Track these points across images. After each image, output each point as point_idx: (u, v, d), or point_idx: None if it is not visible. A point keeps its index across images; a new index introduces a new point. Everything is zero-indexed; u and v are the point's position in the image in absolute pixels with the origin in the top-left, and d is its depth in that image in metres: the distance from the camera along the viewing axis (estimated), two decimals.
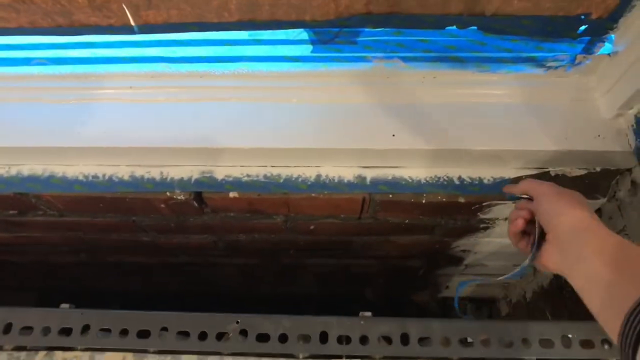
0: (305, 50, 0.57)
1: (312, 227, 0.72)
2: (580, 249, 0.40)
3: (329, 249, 0.81)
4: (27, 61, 0.60)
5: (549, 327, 0.49)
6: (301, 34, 0.54)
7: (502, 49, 0.56)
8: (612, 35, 0.54)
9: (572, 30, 0.53)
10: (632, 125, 0.57)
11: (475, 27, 0.53)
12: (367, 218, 0.68)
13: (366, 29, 0.54)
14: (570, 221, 0.42)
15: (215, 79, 0.62)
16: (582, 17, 0.51)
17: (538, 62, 0.58)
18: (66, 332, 0.50)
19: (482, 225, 0.70)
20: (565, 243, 0.42)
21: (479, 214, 0.65)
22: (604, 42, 0.55)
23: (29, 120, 0.61)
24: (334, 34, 0.54)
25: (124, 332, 0.49)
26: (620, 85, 0.57)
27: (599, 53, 0.56)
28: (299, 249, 0.82)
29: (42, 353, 0.52)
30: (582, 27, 0.52)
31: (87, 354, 0.52)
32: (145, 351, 0.51)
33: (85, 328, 0.49)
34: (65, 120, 0.60)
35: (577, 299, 0.39)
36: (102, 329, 0.49)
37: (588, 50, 0.56)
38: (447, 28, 0.53)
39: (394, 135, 0.58)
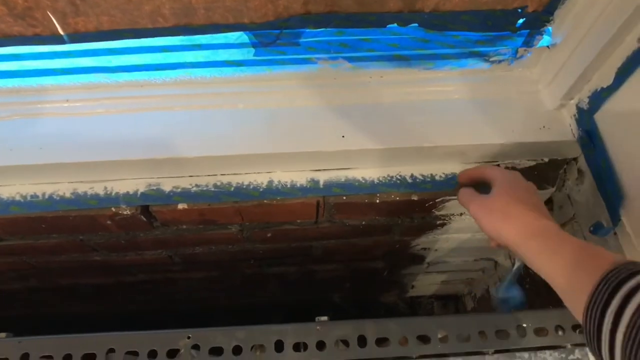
0: (248, 54, 0.56)
1: (269, 234, 0.70)
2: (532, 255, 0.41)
3: (289, 255, 0.80)
4: None
5: (503, 318, 0.49)
6: (241, 37, 0.53)
7: (445, 45, 0.57)
8: (550, 28, 0.55)
9: (511, 23, 0.54)
10: (574, 115, 0.59)
11: (416, 24, 0.53)
12: (324, 222, 0.67)
13: (307, 30, 0.53)
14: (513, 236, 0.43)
15: (157, 87, 0.60)
16: (519, 10, 0.52)
17: (481, 57, 0.59)
18: None
19: (438, 222, 0.70)
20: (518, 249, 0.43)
21: (433, 210, 0.65)
22: (542, 34, 0.56)
23: None
24: (275, 35, 0.53)
25: (67, 358, 0.46)
26: (561, 76, 0.58)
27: (538, 46, 0.57)
28: (258, 258, 0.80)
29: None
30: (520, 21, 0.53)
31: None
32: None
33: (25, 357, 0.46)
34: None
35: (538, 291, 0.40)
36: (43, 357, 0.46)
37: (528, 43, 0.57)
38: (388, 26, 0.53)
39: (343, 136, 0.58)
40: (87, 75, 0.57)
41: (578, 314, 0.35)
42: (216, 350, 0.46)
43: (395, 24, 0.53)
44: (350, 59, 0.58)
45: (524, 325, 0.49)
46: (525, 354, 0.49)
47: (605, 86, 0.53)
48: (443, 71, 0.61)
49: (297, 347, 0.46)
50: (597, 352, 0.32)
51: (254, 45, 0.55)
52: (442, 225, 0.71)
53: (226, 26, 0.51)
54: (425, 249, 0.82)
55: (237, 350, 0.46)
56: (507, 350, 0.48)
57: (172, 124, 0.58)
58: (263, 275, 0.91)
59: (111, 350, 0.47)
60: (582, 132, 0.57)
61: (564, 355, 0.49)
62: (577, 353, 0.49)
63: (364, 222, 0.67)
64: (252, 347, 0.47)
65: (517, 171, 0.53)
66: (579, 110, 0.58)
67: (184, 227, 0.65)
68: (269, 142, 0.57)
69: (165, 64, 0.57)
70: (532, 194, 0.47)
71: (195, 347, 0.47)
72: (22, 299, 0.95)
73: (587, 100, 0.56)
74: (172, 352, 0.46)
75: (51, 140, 0.57)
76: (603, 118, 0.55)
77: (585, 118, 0.57)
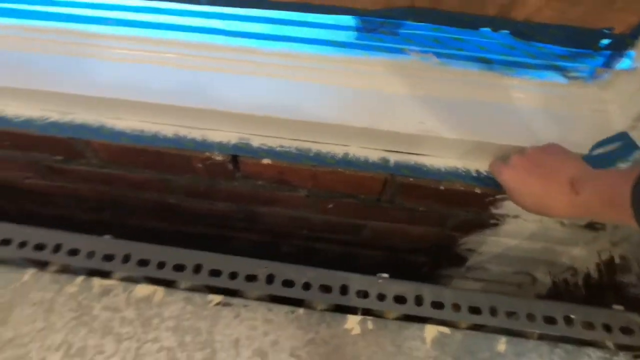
0: (350, 36, 0.63)
1: (330, 205, 0.76)
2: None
3: (340, 232, 0.86)
4: (101, 20, 0.66)
5: (553, 305, 0.53)
6: (349, 20, 0.60)
7: (529, 55, 0.62)
8: (633, 52, 0.60)
9: (595, 43, 0.59)
10: None
11: (507, 31, 0.59)
12: (385, 202, 0.73)
13: (408, 22, 0.59)
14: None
15: (263, 55, 0.68)
16: (606, 31, 0.57)
17: (560, 71, 0.64)
18: (108, 258, 0.54)
19: (492, 221, 0.74)
20: None
21: (491, 207, 0.69)
22: (623, 57, 0.60)
23: (89, 72, 0.66)
24: (378, 23, 0.60)
25: (161, 265, 0.53)
26: (636, 99, 0.62)
27: (618, 67, 0.62)
28: (312, 229, 0.86)
29: (80, 278, 0.57)
30: (605, 41, 0.58)
31: (122, 284, 0.56)
32: (175, 287, 0.55)
33: (126, 257, 0.54)
34: (123, 77, 0.66)
35: None
36: (141, 260, 0.54)
37: (608, 64, 0.62)
38: (481, 29, 0.59)
39: (422, 122, 0.63)
40: (209, 35, 0.66)
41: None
42: (288, 283, 0.53)
43: (488, 28, 0.59)
44: (439, 55, 0.64)
45: (572, 316, 0.52)
46: (569, 346, 0.52)
47: None
48: (522, 79, 0.66)
49: (359, 294, 0.52)
50: None
51: (357, 29, 0.62)
52: (495, 225, 0.75)
53: (340, 9, 0.58)
54: (470, 249, 0.86)
55: (306, 286, 0.52)
56: (552, 337, 0.52)
57: (270, 89, 0.66)
58: (307, 250, 0.97)
59: (199, 266, 0.54)
60: None
61: (607, 356, 0.52)
62: (622, 356, 0.52)
63: (421, 208, 0.73)
64: (319, 287, 0.53)
65: (530, 150, 0.56)
66: None
67: (260, 183, 0.73)
68: (351, 116, 0.64)
69: (275, 36, 0.65)
70: (549, 165, 0.51)
71: (270, 277, 0.53)
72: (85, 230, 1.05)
73: None
74: (250, 277, 0.53)
75: (168, 85, 0.66)
76: None
77: None
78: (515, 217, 0.72)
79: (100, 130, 0.68)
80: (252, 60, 0.67)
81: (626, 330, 0.52)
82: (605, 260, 0.73)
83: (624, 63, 0.61)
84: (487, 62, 0.64)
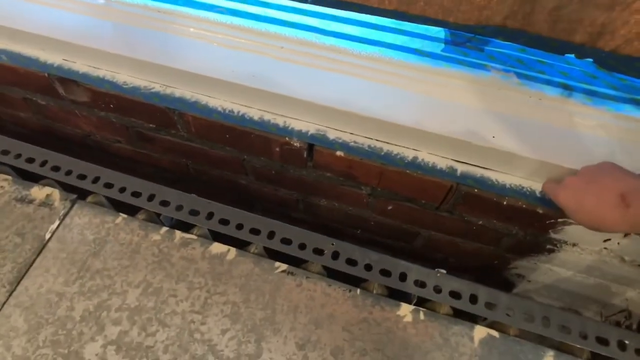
0: (437, 47, 0.67)
1: (390, 207, 0.80)
2: None
3: (394, 237, 0.88)
4: (211, 7, 0.75)
5: (605, 328, 0.53)
6: (440, 32, 0.65)
7: (610, 86, 0.64)
8: None
9: None
10: None
11: (592, 60, 0.61)
12: (445, 210, 0.75)
13: (496, 40, 0.63)
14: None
15: (351, 56, 0.73)
16: None
17: (639, 105, 0.65)
18: (194, 213, 0.60)
19: (548, 246, 0.75)
20: None
21: (550, 231, 0.70)
22: None
23: (197, 54, 0.75)
24: (467, 38, 0.64)
25: (239, 227, 0.59)
26: None
27: None
28: (367, 229, 0.90)
29: (164, 229, 0.63)
30: None
31: (200, 240, 0.62)
32: (247, 249, 0.60)
33: (210, 215, 0.60)
34: (223, 60, 0.74)
35: None
36: (222, 219, 0.59)
37: None
38: (566, 55, 0.62)
39: (494, 136, 0.66)
40: (305, 32, 0.73)
41: None
42: (352, 262, 0.56)
43: (573, 55, 0.61)
44: (520, 75, 0.67)
45: (626, 342, 0.52)
46: None
47: None
48: (599, 109, 0.67)
49: (416, 283, 0.54)
50: None
51: (446, 42, 0.66)
52: (550, 251, 0.76)
53: (435, 20, 0.63)
54: (519, 275, 0.86)
55: (368, 267, 0.56)
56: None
57: (352, 87, 0.71)
58: None
59: (272, 233, 0.58)
60: None
61: None
62: None
63: (480, 222, 0.74)
64: (379, 271, 0.56)
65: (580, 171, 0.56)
66: None
67: (328, 174, 0.77)
68: (425, 121, 0.67)
69: (368, 39, 0.70)
70: (598, 181, 0.52)
71: (335, 254, 0.57)
72: None
73: None
74: (317, 250, 0.57)
75: (261, 72, 0.72)
76: None
77: None
78: (574, 245, 0.72)
79: (195, 104, 0.75)
80: (341, 59, 0.73)
81: None
82: None
83: None
84: (566, 88, 0.66)
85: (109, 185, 0.63)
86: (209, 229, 0.60)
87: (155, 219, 0.63)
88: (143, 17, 0.80)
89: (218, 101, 0.76)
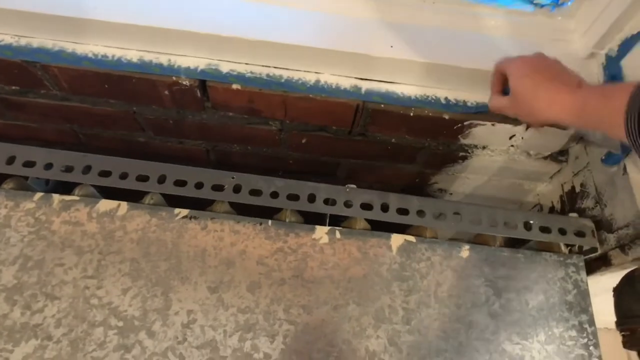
0: None
1: (304, 140, 0.76)
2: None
3: (317, 172, 0.85)
4: None
5: (513, 214, 0.54)
6: None
7: None
8: None
9: None
10: (603, 63, 0.64)
11: None
12: (357, 134, 0.73)
13: None
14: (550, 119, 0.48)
15: None
16: None
17: None
18: (68, 169, 0.52)
19: (461, 154, 0.75)
20: None
21: (459, 137, 0.70)
22: None
23: None
24: None
25: (124, 176, 0.52)
26: (595, 27, 0.64)
27: None
28: (287, 170, 0.86)
29: (38, 195, 0.54)
30: None
31: (84, 199, 0.54)
32: (142, 202, 0.53)
33: (87, 169, 0.52)
34: None
35: None
36: (103, 171, 0.52)
37: None
38: None
39: (392, 46, 0.63)
40: None
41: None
42: (256, 192, 0.52)
43: None
44: None
45: (531, 222, 0.54)
46: (528, 252, 0.54)
47: (635, 33, 0.59)
48: (491, 7, 0.67)
49: (326, 202, 0.52)
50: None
51: None
52: (464, 158, 0.76)
53: None
54: (441, 190, 0.87)
55: (274, 195, 0.52)
56: (512, 244, 0.53)
57: (238, 10, 0.64)
58: None
59: (163, 177, 0.52)
60: (608, 76, 0.63)
61: (561, 259, 0.54)
62: (574, 258, 0.54)
63: (393, 140, 0.73)
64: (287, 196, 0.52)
65: (535, 54, 0.56)
66: (608, 58, 0.63)
67: (230, 114, 0.71)
68: (322, 40, 0.63)
69: None
70: (554, 68, 0.52)
71: (237, 188, 0.53)
72: None
73: (616, 48, 0.62)
74: (217, 187, 0.52)
75: (133, 5, 0.63)
76: (628, 63, 0.60)
77: (613, 64, 0.62)
78: (484, 148, 0.73)
79: (59, 54, 0.65)
80: None
81: (579, 234, 0.54)
82: (567, 191, 0.75)
83: None
84: None
85: None
86: (92, 185, 0.52)
87: (27, 186, 0.54)
88: None
89: (87, 46, 0.66)
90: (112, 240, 0.51)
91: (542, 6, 0.66)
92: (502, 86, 0.60)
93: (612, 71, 0.62)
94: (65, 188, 0.53)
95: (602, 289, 0.66)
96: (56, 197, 0.53)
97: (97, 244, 0.51)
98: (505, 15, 0.67)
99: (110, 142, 0.83)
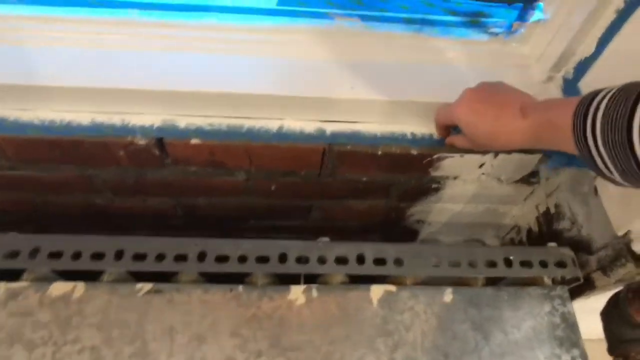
0: (271, 2, 0.61)
1: (272, 187, 0.73)
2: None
3: (290, 216, 0.83)
4: None
5: (493, 251, 0.53)
6: None
7: (448, 12, 0.63)
8: (541, 4, 0.62)
9: None
10: (561, 86, 0.65)
11: None
12: (327, 176, 0.70)
13: None
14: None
15: (184, 29, 0.64)
16: None
17: (480, 28, 0.65)
18: (14, 255, 0.47)
19: (433, 186, 0.74)
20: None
21: (430, 170, 0.69)
22: (534, 9, 0.63)
23: None
24: None
25: (77, 256, 0.48)
26: (548, 51, 0.65)
27: (531, 20, 0.64)
28: (258, 217, 0.83)
29: None
30: None
31: (34, 285, 0.50)
32: (100, 280, 0.49)
33: (35, 252, 0.47)
34: (24, 61, 0.60)
35: None
36: (52, 252, 0.47)
37: (522, 17, 0.64)
38: None
39: (352, 87, 0.62)
40: (120, 10, 0.61)
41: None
42: (222, 259, 0.49)
43: None
44: (363, 18, 0.64)
45: (511, 257, 0.52)
46: (511, 289, 0.52)
47: (588, 55, 0.60)
48: (447, 39, 0.67)
49: (299, 260, 0.49)
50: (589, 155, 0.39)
51: None
52: (437, 190, 0.75)
53: None
54: (419, 221, 0.86)
55: (242, 259, 0.49)
56: (495, 282, 0.51)
57: (193, 64, 0.62)
58: None
59: (120, 252, 0.48)
60: None
61: (546, 292, 0.52)
62: (559, 290, 0.52)
63: (364, 179, 0.71)
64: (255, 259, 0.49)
65: (476, 86, 0.56)
66: (565, 80, 0.64)
67: (193, 169, 0.68)
68: (282, 86, 0.61)
69: (195, 6, 0.62)
70: (498, 94, 0.53)
71: (202, 254, 0.49)
72: None
73: (572, 71, 0.63)
74: (180, 257, 0.48)
75: (77, 67, 0.60)
76: (585, 85, 0.61)
77: (571, 86, 0.63)
78: (455, 178, 0.72)
79: (1, 123, 0.61)
80: (176, 35, 0.64)
81: (560, 264, 0.53)
82: (542, 212, 0.75)
83: (536, 16, 0.63)
84: (411, 23, 0.64)
85: None
86: (50, 269, 0.48)
87: None
88: None
89: (32, 113, 0.62)
90: (68, 327, 0.47)
91: (496, 35, 0.67)
92: (449, 132, 0.61)
93: (571, 93, 0.63)
94: (12, 273, 0.49)
95: (590, 309, 0.65)
96: (1, 286, 0.48)
97: (51, 334, 0.46)
98: (462, 46, 0.68)
99: (68, 208, 0.78)
